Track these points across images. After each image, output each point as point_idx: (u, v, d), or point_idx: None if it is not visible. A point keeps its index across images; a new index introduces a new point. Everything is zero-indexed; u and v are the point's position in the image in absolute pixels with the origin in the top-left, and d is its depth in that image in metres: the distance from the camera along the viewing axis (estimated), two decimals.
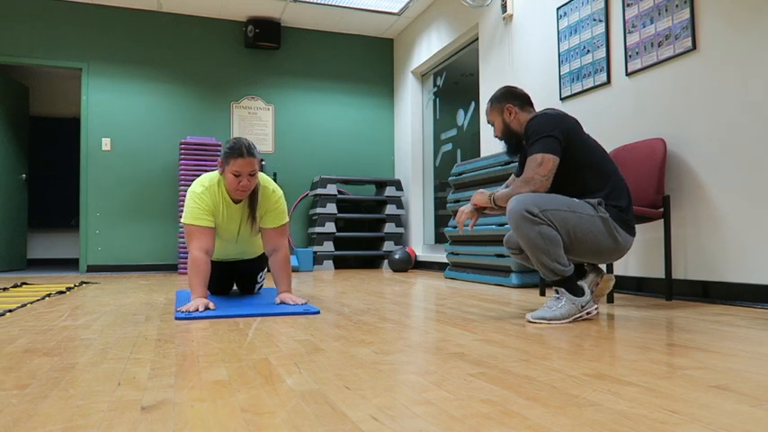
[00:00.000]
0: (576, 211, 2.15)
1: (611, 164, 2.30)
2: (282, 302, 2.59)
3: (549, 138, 2.18)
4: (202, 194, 2.59)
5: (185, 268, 5.58)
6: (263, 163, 6.20)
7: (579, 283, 2.22)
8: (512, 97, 2.39)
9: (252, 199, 2.67)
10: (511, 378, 1.28)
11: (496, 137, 2.46)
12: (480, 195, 2.35)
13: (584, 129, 3.75)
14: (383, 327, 2.07)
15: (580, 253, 2.22)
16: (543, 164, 2.17)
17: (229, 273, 3.10)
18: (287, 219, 2.75)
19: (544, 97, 4.14)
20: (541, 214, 2.11)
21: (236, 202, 2.67)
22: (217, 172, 2.65)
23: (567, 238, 2.15)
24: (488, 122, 2.50)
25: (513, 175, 2.60)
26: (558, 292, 2.19)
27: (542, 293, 3.21)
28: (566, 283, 2.17)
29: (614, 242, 2.20)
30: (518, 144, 2.41)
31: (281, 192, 2.76)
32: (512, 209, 2.15)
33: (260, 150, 6.33)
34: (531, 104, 2.41)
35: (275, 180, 6.27)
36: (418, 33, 6.24)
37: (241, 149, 2.50)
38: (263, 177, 2.73)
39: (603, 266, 3.09)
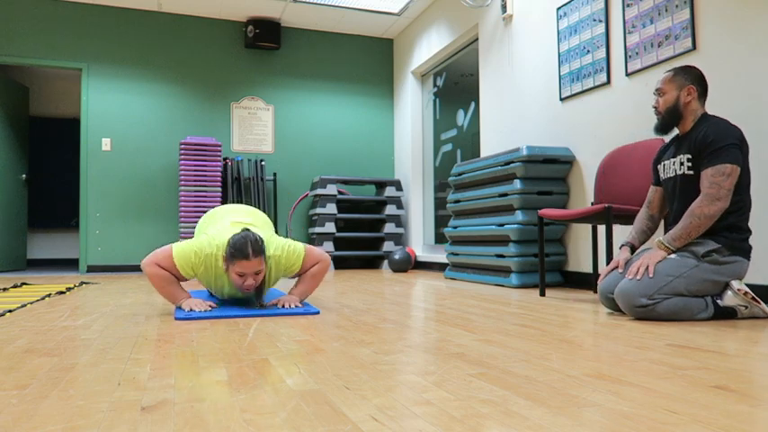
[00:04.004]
0: (682, 274, 2.14)
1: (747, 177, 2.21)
2: (277, 304, 2.49)
3: (735, 146, 2.10)
4: (206, 258, 2.36)
5: None
6: (263, 163, 6.20)
7: (723, 305, 2.20)
8: (698, 81, 2.28)
9: (260, 287, 2.45)
10: (511, 378, 1.28)
11: (654, 107, 2.33)
12: (656, 253, 2.17)
13: (585, 129, 3.75)
14: (383, 327, 2.07)
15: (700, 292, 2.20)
16: (732, 175, 2.08)
17: None
18: (302, 254, 2.49)
19: (544, 97, 4.14)
20: (651, 301, 2.14)
21: None
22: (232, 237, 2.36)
23: (685, 292, 2.17)
24: (656, 90, 2.33)
25: (651, 187, 2.46)
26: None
27: (542, 294, 3.21)
28: (720, 315, 2.21)
29: (720, 277, 2.17)
30: (672, 124, 2.32)
31: (279, 243, 2.47)
32: (622, 304, 2.19)
33: (260, 150, 6.33)
34: (705, 99, 2.32)
35: (275, 181, 6.27)
36: (418, 34, 6.24)
37: (246, 251, 2.24)
38: (267, 245, 2.43)
39: None
